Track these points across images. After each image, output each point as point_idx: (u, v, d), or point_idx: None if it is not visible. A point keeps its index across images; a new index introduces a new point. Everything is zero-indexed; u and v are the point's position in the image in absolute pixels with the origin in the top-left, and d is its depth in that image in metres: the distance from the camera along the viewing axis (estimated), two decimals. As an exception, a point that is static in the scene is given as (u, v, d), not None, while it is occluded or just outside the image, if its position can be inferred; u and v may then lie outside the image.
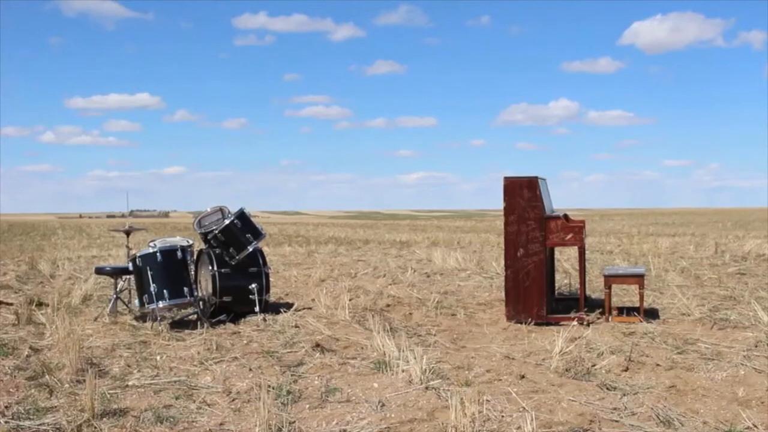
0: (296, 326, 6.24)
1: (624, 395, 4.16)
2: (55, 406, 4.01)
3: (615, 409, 3.91)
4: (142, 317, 6.66)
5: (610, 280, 6.71)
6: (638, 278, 6.68)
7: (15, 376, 4.59)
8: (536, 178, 6.43)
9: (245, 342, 5.71)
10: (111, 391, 4.30)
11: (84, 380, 4.10)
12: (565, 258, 11.98)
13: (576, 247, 6.60)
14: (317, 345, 5.41)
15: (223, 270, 6.77)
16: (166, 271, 6.31)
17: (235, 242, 6.80)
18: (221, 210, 7.00)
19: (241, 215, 6.90)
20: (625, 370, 4.71)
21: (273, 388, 4.31)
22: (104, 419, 3.77)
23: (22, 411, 3.92)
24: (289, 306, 7.31)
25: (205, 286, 6.94)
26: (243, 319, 6.59)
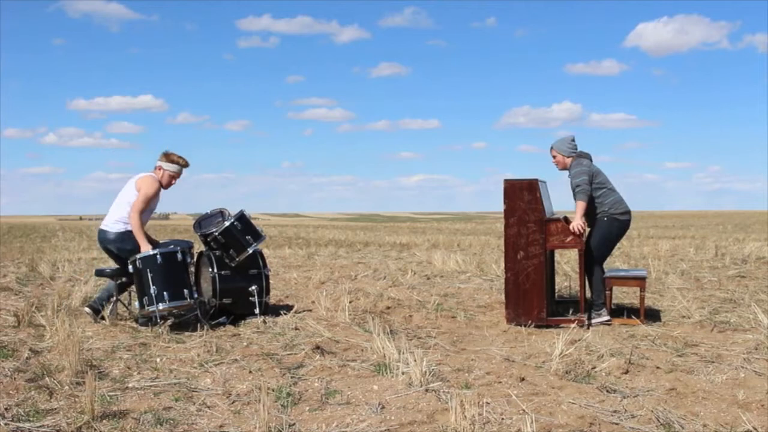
0: (296, 328, 6.24)
1: (624, 398, 4.16)
2: (55, 408, 4.01)
3: (615, 411, 3.91)
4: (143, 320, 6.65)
5: (610, 282, 6.71)
6: (639, 281, 6.69)
7: (15, 378, 4.59)
8: (536, 180, 6.43)
9: (245, 344, 5.71)
10: (111, 393, 4.29)
11: (84, 382, 4.10)
12: (566, 260, 11.98)
13: (576, 250, 6.60)
14: (317, 347, 5.41)
15: (223, 272, 6.77)
16: (166, 273, 6.30)
17: (235, 244, 6.80)
18: (221, 212, 7.00)
19: (241, 217, 6.90)
20: (625, 373, 4.71)
21: (273, 390, 4.31)
22: (104, 421, 3.77)
23: (22, 413, 3.92)
24: (289, 308, 7.31)
25: (205, 288, 6.94)
26: (243, 321, 6.59)
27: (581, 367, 4.77)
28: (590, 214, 6.70)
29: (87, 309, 6.77)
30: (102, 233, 6.69)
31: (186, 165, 6.84)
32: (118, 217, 6.59)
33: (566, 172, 6.78)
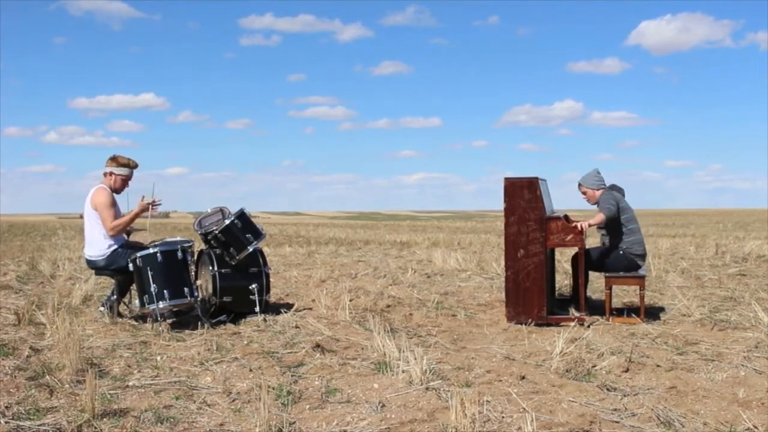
0: (296, 327, 6.24)
1: (624, 396, 4.16)
2: (56, 407, 4.01)
3: (615, 410, 3.91)
4: (142, 317, 6.66)
5: (610, 280, 6.71)
6: (639, 279, 6.68)
7: (15, 377, 4.59)
8: (536, 178, 6.43)
9: (245, 342, 5.71)
10: (111, 392, 4.30)
11: (84, 380, 4.10)
12: (566, 259, 11.97)
13: (576, 248, 6.60)
14: (317, 345, 5.41)
15: (223, 270, 6.77)
16: (166, 272, 6.30)
17: (236, 242, 6.80)
18: (221, 210, 7.00)
19: (242, 215, 6.90)
20: (626, 371, 4.71)
21: (273, 389, 4.31)
22: (104, 419, 3.78)
23: (23, 411, 3.92)
24: (289, 306, 7.31)
25: (205, 286, 6.94)
26: (243, 320, 6.59)
27: (581, 365, 4.77)
28: (609, 243, 6.83)
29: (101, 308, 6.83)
30: (91, 263, 6.77)
31: (135, 166, 6.88)
32: (99, 245, 6.64)
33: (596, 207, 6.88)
